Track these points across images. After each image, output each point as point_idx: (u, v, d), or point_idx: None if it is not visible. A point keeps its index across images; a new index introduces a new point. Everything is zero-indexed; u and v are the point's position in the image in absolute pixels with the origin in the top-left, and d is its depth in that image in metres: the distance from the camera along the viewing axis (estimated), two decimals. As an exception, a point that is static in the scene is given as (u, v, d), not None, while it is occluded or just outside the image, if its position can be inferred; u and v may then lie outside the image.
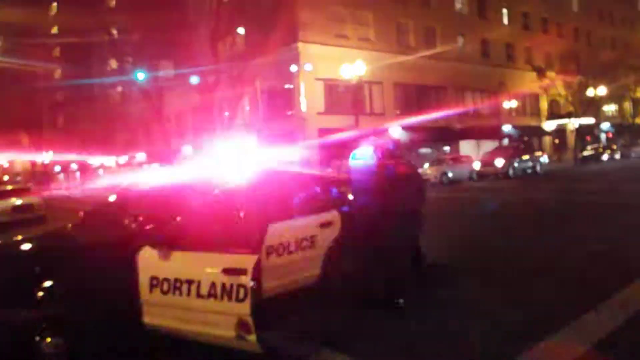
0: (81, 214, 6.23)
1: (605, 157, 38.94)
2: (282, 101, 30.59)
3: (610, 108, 52.61)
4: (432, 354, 4.17)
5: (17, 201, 18.54)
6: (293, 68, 27.83)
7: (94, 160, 51.45)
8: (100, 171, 52.96)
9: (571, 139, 44.97)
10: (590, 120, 44.48)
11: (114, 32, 29.41)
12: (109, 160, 50.22)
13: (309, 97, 28.47)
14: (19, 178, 52.19)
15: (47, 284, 4.03)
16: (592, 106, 44.09)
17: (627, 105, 53.44)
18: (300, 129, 28.39)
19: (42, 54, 43.99)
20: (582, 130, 43.75)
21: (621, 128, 49.61)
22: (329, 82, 29.12)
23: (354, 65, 25.22)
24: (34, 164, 55.13)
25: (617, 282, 5.50)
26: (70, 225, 5.83)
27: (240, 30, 29.40)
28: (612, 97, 47.83)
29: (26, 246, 5.40)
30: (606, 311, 4.77)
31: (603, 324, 4.43)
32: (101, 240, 4.80)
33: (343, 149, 5.61)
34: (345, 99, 29.46)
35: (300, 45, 28.21)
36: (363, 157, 5.49)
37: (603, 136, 48.81)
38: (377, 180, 5.25)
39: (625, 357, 3.88)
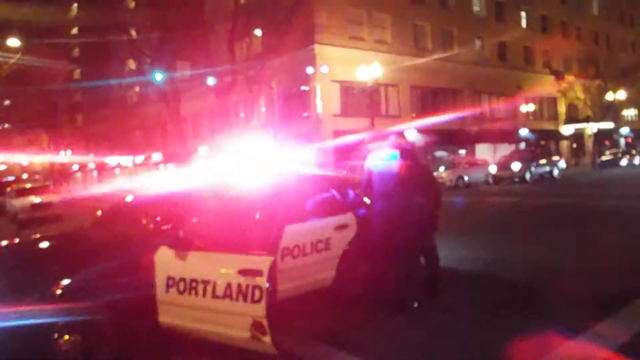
0: (99, 213, 6.30)
1: (624, 162, 38.35)
2: (298, 103, 30.64)
3: (629, 112, 51.86)
4: (443, 357, 4.13)
5: (36, 199, 18.82)
6: (309, 70, 27.87)
7: (111, 159, 52.00)
8: (117, 171, 53.53)
9: (589, 144, 44.41)
10: (609, 125, 43.89)
11: (133, 32, 29.73)
12: (126, 160, 50.72)
13: (324, 99, 28.49)
14: (37, 177, 52.95)
15: (65, 282, 4.07)
16: (611, 110, 43.52)
17: (647, 110, 52.66)
18: (315, 130, 28.40)
19: (62, 54, 44.61)
20: (600, 135, 43.18)
21: (641, 133, 48.89)
22: (345, 84, 29.11)
23: (370, 68, 25.20)
24: (52, 163, 55.88)
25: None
26: (87, 223, 5.89)
27: (257, 32, 29.52)
28: (631, 102, 47.17)
29: (44, 244, 5.46)
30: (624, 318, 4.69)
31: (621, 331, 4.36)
32: (118, 239, 4.85)
33: (358, 151, 5.59)
34: (361, 101, 29.43)
35: (316, 47, 28.24)
36: (384, 159, 5.43)
37: (622, 141, 48.10)
38: (400, 183, 5.20)
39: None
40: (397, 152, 5.37)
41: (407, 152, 5.48)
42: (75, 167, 59.69)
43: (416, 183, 5.28)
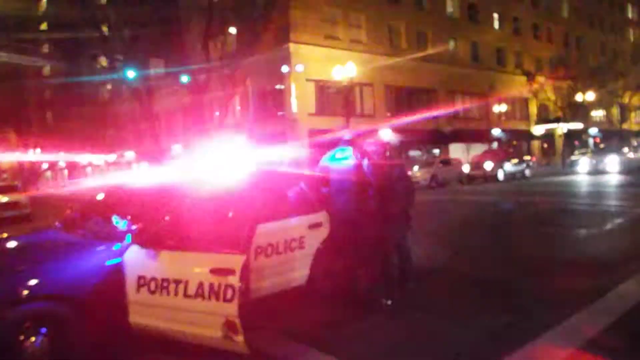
0: (68, 212, 6.18)
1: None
2: (273, 102, 30.56)
3: (598, 113, 53.16)
4: (418, 355, 4.17)
5: (3, 199, 18.35)
6: (284, 69, 27.81)
7: (82, 158, 51.04)
8: (89, 169, 52.58)
9: (559, 144, 45.37)
10: (578, 126, 44.93)
11: (105, 28, 29.19)
12: (98, 159, 49.85)
13: (299, 98, 28.47)
14: (5, 176, 51.64)
15: (33, 282, 3.98)
16: (581, 111, 44.55)
17: (615, 111, 54.02)
18: (290, 129, 28.37)
19: (31, 50, 43.55)
20: (570, 135, 44.16)
21: (609, 133, 50.13)
22: (320, 83, 29.14)
23: (345, 67, 25.26)
24: (21, 161, 54.57)
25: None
26: (57, 223, 5.77)
27: (232, 30, 29.31)
28: (600, 103, 48.36)
29: (11, 244, 5.33)
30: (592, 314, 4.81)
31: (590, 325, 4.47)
32: (88, 238, 4.76)
33: (332, 149, 5.62)
34: (336, 100, 29.51)
35: (291, 45, 28.19)
36: (341, 157, 5.49)
37: (591, 141, 49.27)
38: (356, 181, 5.24)
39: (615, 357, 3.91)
40: (355, 151, 5.41)
41: (371, 151, 5.52)
42: (45, 166, 58.40)
43: (383, 181, 5.32)
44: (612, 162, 26.81)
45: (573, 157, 32.03)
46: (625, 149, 30.27)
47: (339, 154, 5.48)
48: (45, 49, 49.19)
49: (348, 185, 5.28)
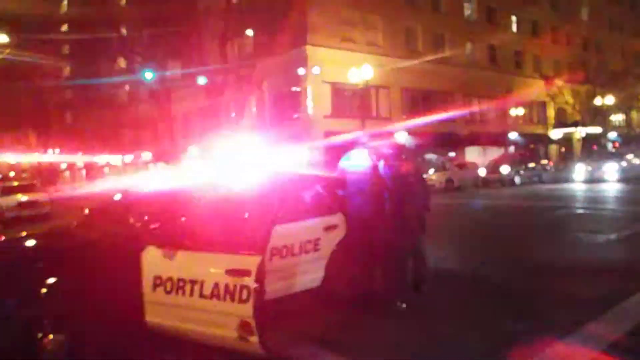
0: (86, 211, 6.24)
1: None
2: (289, 103, 30.62)
3: (617, 117, 52.39)
4: (431, 359, 4.14)
5: (23, 197, 18.64)
6: (301, 71, 27.85)
7: (100, 158, 51.64)
8: (106, 170, 53.14)
9: (578, 148, 44.78)
10: (597, 130, 44.30)
11: (124, 30, 29.55)
12: (115, 159, 50.38)
13: (315, 100, 28.48)
14: (25, 175, 52.42)
15: (51, 280, 4.03)
16: (600, 115, 43.94)
17: (635, 115, 53.19)
18: (306, 131, 28.39)
19: (51, 51, 44.15)
20: (588, 140, 43.57)
21: (628, 138, 49.36)
22: (336, 85, 29.12)
23: (361, 69, 25.22)
24: (40, 161, 55.36)
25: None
26: (75, 222, 5.84)
27: (249, 32, 29.46)
28: (619, 107, 47.63)
29: (30, 242, 5.41)
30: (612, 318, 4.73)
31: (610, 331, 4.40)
32: (105, 238, 4.80)
33: (349, 152, 5.61)
34: (352, 102, 29.47)
35: (308, 48, 28.23)
36: (357, 159, 5.48)
37: (609, 145, 48.57)
38: (372, 183, 5.23)
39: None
40: (371, 153, 5.40)
41: (386, 154, 5.51)
42: (64, 166, 59.18)
43: (399, 184, 5.30)
44: (611, 170, 24.36)
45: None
46: (630, 155, 27.35)
47: (356, 156, 5.47)
48: (66, 50, 49.88)
49: (364, 187, 5.26)
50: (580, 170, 25.54)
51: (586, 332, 4.45)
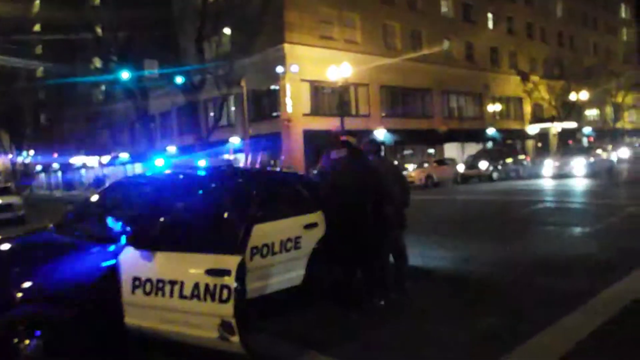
0: (62, 213, 6.14)
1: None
2: (267, 102, 30.56)
3: (592, 113, 53.44)
4: (411, 356, 4.17)
5: (-3, 201, 18.22)
6: (279, 69, 27.79)
7: (77, 160, 50.85)
8: (83, 171, 52.37)
9: (553, 143, 45.56)
10: (572, 125, 45.13)
11: (99, 30, 29.10)
12: (92, 160, 49.67)
13: (294, 99, 28.45)
14: (-1, 177, 51.37)
15: (26, 284, 3.95)
16: (575, 111, 44.78)
17: (609, 110, 54.31)
18: (285, 130, 28.36)
19: (24, 51, 43.34)
20: (564, 135, 44.36)
21: (602, 132, 50.41)
22: (315, 83, 29.15)
23: (340, 67, 25.27)
24: (14, 163, 54.31)
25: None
26: (51, 225, 5.74)
27: (226, 31, 29.27)
28: (594, 102, 48.61)
29: (5, 246, 5.29)
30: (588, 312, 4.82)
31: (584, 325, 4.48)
32: (83, 240, 4.73)
33: (329, 150, 5.58)
34: (331, 100, 29.56)
35: (286, 46, 28.19)
36: (338, 157, 5.46)
37: (585, 140, 49.56)
38: (352, 181, 5.22)
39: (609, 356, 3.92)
40: (346, 152, 5.38)
41: (368, 151, 5.52)
42: (39, 168, 58.16)
43: (379, 180, 5.31)
44: (578, 165, 23.93)
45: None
46: (599, 150, 27.17)
47: (336, 154, 5.46)
48: (39, 50, 48.99)
49: (344, 185, 5.26)
50: (548, 166, 25.27)
51: (562, 326, 4.52)
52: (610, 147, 33.20)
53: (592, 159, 24.69)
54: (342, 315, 5.08)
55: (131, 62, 25.76)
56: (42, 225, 6.00)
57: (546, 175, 24.52)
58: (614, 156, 26.82)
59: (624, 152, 34.33)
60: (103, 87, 44.55)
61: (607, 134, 50.34)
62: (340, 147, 5.42)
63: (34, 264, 4.28)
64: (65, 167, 53.91)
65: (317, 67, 27.39)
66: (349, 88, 29.79)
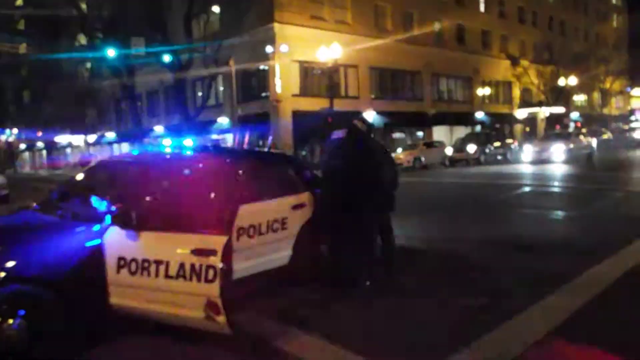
0: (47, 193, 6.06)
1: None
2: (256, 82, 30.30)
3: (579, 98, 53.73)
4: (396, 334, 4.20)
5: (-20, 179, 17.95)
6: (268, 49, 27.50)
7: (62, 138, 50.21)
8: (68, 150, 51.79)
9: (541, 127, 45.83)
10: (560, 110, 45.38)
11: (83, 6, 28.53)
12: (78, 139, 49.10)
13: (284, 79, 28.23)
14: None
15: (10, 264, 3.90)
16: (563, 96, 44.97)
17: (596, 96, 54.64)
18: (274, 110, 28.18)
19: (6, 27, 42.36)
20: (552, 119, 44.62)
21: (589, 118, 50.77)
22: (305, 64, 28.91)
23: (330, 48, 25.05)
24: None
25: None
26: (35, 204, 5.66)
27: (215, 9, 28.85)
28: (582, 87, 48.85)
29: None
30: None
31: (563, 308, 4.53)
32: (67, 219, 4.67)
33: (318, 132, 5.56)
34: (320, 81, 29.36)
35: (276, 25, 27.86)
36: (337, 139, 5.47)
37: (572, 125, 49.91)
38: (344, 162, 5.22)
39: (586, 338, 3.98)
40: (348, 132, 5.38)
41: (358, 133, 5.49)
42: (23, 147, 57.38)
43: (368, 162, 5.30)
44: (558, 151, 23.51)
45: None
46: (581, 136, 26.70)
47: (336, 135, 5.46)
48: (21, 25, 47.93)
49: (337, 167, 5.26)
50: (527, 152, 24.83)
51: (544, 305, 4.58)
52: (591, 132, 32.90)
53: (571, 145, 24.36)
54: (327, 295, 5.09)
55: (117, 40, 25.34)
56: (25, 204, 5.92)
57: (525, 161, 24.26)
58: (594, 142, 26.87)
59: (606, 137, 34.38)
60: (89, 65, 43.80)
61: (594, 120, 50.71)
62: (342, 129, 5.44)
63: (17, 243, 4.22)
64: (50, 146, 53.25)
65: (306, 48, 27.13)
66: (339, 69, 29.60)
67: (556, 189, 14.28)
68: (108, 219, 4.29)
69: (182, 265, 3.79)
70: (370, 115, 30.04)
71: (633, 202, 11.01)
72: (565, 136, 26.18)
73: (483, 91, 41.09)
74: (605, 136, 34.57)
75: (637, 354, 3.56)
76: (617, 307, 4.55)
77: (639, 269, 5.56)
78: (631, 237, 6.86)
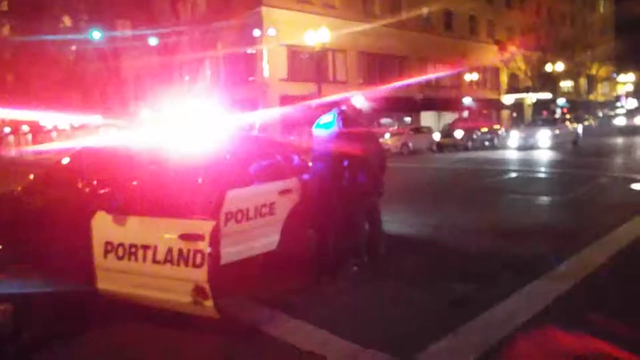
0: (31, 177, 6.00)
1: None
2: (244, 66, 30.04)
3: (566, 84, 54.02)
4: (382, 320, 4.25)
5: (-37, 163, 17.70)
6: (256, 32, 27.24)
7: (47, 121, 49.46)
8: (54, 134, 51.05)
9: (528, 113, 46.09)
10: (547, 96, 45.63)
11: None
12: (63, 123, 48.39)
13: (271, 63, 28.03)
14: (-35, 140, 49.76)
15: (-5, 247, 3.87)
16: (550, 81, 45.19)
17: (583, 82, 54.96)
18: (261, 95, 28.01)
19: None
20: (539, 105, 44.89)
21: (576, 104, 51.13)
22: (293, 48, 28.70)
23: (318, 32, 24.86)
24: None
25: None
26: (19, 188, 5.60)
27: (202, -9, 28.47)
28: (568, 74, 49.09)
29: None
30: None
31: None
32: (52, 204, 4.64)
33: (306, 117, 5.55)
34: (308, 66, 29.15)
35: (264, 9, 27.58)
36: (325, 124, 5.45)
37: (558, 111, 50.28)
38: (333, 149, 5.22)
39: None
40: (334, 118, 5.38)
41: (347, 118, 5.49)
42: (7, 130, 56.47)
43: (353, 149, 5.31)
44: (544, 137, 23.82)
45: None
46: (567, 122, 26.98)
47: (324, 120, 5.44)
48: (4, 6, 46.90)
49: (326, 152, 5.26)
50: (514, 138, 25.12)
51: (528, 291, 4.65)
52: (576, 118, 33.22)
53: (557, 131, 24.63)
54: (315, 281, 5.13)
55: (103, 22, 24.93)
56: (9, 189, 5.85)
57: (512, 147, 24.49)
58: (579, 128, 27.15)
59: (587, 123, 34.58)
60: (74, 47, 43.02)
61: (580, 106, 51.11)
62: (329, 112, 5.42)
63: (3, 227, 4.19)
64: (35, 129, 52.42)
65: (294, 32, 26.89)
66: (327, 53, 29.43)
67: (542, 175, 14.44)
68: (95, 203, 4.27)
69: (169, 250, 3.79)
70: (359, 101, 29.97)
71: (617, 187, 11.16)
72: (551, 122, 26.43)
73: (470, 76, 41.15)
74: (587, 122, 34.86)
75: (622, 338, 3.64)
76: (602, 291, 4.64)
77: (623, 254, 5.66)
78: (615, 222, 6.98)
